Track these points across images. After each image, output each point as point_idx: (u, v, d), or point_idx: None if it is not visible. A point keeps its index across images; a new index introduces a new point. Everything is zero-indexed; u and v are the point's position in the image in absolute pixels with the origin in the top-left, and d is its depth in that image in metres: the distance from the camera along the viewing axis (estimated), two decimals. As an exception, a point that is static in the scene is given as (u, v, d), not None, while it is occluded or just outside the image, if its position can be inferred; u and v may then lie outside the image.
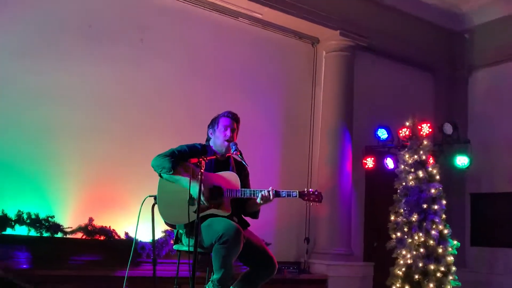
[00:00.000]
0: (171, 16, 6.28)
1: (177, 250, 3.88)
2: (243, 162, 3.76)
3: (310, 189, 3.72)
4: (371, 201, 7.55)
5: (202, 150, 3.78)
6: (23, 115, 5.23)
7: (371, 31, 7.41)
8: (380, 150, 7.28)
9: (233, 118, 3.87)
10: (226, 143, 3.76)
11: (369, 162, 7.29)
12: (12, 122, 5.17)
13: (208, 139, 3.92)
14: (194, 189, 3.46)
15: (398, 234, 5.62)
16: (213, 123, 3.90)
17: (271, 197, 3.61)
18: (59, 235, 5.12)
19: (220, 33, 6.65)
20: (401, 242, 5.59)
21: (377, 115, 7.53)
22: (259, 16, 6.81)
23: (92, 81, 5.67)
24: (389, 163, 7.00)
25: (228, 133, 3.78)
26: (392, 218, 5.74)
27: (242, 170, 3.88)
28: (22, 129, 5.20)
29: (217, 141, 3.81)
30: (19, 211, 4.96)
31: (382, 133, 7.15)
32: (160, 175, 3.64)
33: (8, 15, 5.30)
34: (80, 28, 5.67)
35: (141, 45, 6.02)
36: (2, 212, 4.88)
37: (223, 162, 3.80)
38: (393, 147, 6.95)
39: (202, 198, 3.52)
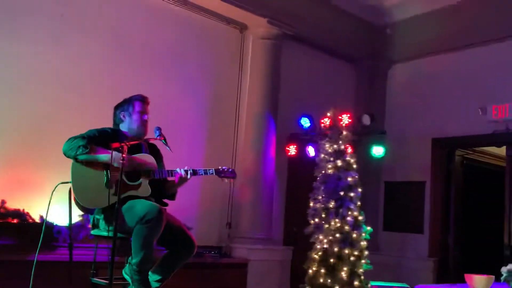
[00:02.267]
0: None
1: (95, 235, 3.82)
2: (167, 147, 3.75)
3: (224, 167, 3.84)
4: (292, 187, 7.73)
5: (112, 134, 3.74)
6: None
7: (299, 21, 7.52)
8: (303, 138, 7.43)
9: (147, 102, 3.91)
10: (142, 127, 3.81)
11: (292, 150, 7.44)
12: None
13: (118, 123, 3.88)
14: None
15: (316, 219, 5.81)
16: (127, 106, 3.86)
17: (188, 175, 3.68)
18: (-32, 217, 4.87)
19: (148, 14, 6.51)
20: (318, 227, 5.78)
21: (302, 104, 7.69)
22: (189, -1, 6.74)
23: (7, 57, 5.38)
24: (311, 151, 7.17)
25: (145, 117, 3.83)
26: (311, 204, 5.92)
27: (155, 152, 3.90)
28: None
29: (133, 125, 3.81)
30: None
31: (305, 122, 7.29)
32: (74, 158, 3.54)
33: None
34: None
35: (64, 20, 5.78)
36: None
37: (135, 146, 3.77)
38: (315, 135, 7.11)
39: (125, 179, 3.51)
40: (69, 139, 3.57)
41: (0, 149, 5.25)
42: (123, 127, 3.86)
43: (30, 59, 5.52)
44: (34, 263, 3.66)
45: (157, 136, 3.76)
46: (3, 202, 5.08)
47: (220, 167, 3.86)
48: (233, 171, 3.89)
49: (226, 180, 3.91)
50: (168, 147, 3.75)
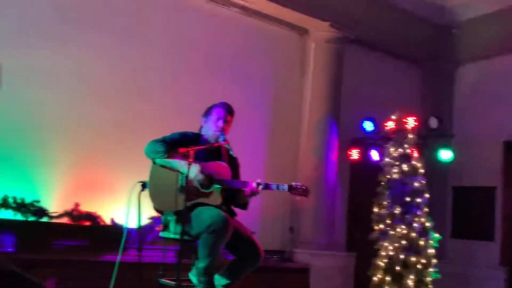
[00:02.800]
0: (160, 3, 6.24)
1: (164, 238, 3.92)
2: (231, 152, 3.79)
3: (297, 184, 3.78)
4: (355, 192, 7.63)
5: (194, 138, 3.79)
6: (7, 99, 5.16)
7: (360, 24, 7.44)
8: (366, 142, 7.32)
9: (228, 110, 3.86)
10: (217, 133, 3.76)
11: (355, 154, 7.35)
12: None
13: (200, 128, 3.93)
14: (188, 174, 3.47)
15: (381, 226, 5.71)
16: (207, 112, 3.90)
17: (260, 189, 3.63)
18: (45, 219, 5.12)
19: (210, 22, 6.63)
20: (383, 233, 5.68)
21: (364, 107, 7.57)
22: (250, 6, 6.79)
23: (80, 67, 5.63)
24: (374, 155, 7.06)
25: (220, 123, 3.78)
26: (376, 210, 5.82)
27: (233, 161, 3.90)
28: (9, 114, 5.15)
29: (209, 131, 3.81)
30: (5, 195, 4.96)
31: (368, 125, 7.19)
32: (153, 161, 3.64)
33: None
34: (66, 15, 5.61)
35: (130, 33, 5.98)
36: (-13, 196, 4.88)
37: (214, 152, 3.80)
38: (379, 139, 7.00)
39: (197, 186, 3.55)
40: (152, 141, 3.64)
41: (74, 155, 5.49)
42: (203, 131, 3.91)
43: (100, 69, 5.75)
44: (117, 264, 3.77)
45: (222, 141, 3.80)
46: (77, 205, 5.32)
47: (293, 184, 3.75)
48: (306, 189, 3.75)
49: (297, 197, 3.82)
50: (232, 152, 3.78)
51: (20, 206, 4.97)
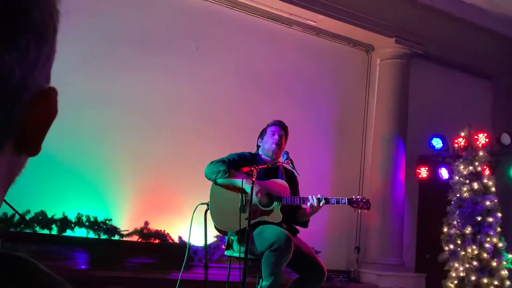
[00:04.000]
0: (226, 25, 6.40)
1: (228, 256, 3.98)
2: (294, 171, 3.82)
3: (358, 196, 3.77)
4: (424, 211, 7.41)
5: (251, 158, 3.86)
6: (82, 120, 5.43)
7: (427, 38, 7.29)
8: (435, 159, 7.14)
9: (280, 126, 3.93)
10: (274, 146, 3.81)
11: (423, 172, 7.17)
12: (73, 128, 5.36)
13: (258, 148, 4.00)
14: (249, 190, 3.53)
15: (451, 246, 5.51)
16: (262, 132, 3.98)
17: (321, 204, 3.65)
18: (116, 237, 5.33)
19: (273, 41, 6.72)
20: (454, 254, 5.48)
21: (432, 124, 7.39)
22: (313, 23, 6.83)
23: (149, 87, 5.84)
24: (444, 173, 6.86)
25: (276, 137, 3.83)
26: (445, 229, 5.63)
27: (291, 178, 3.93)
28: (82, 136, 5.42)
29: (266, 146, 3.87)
30: (78, 213, 5.20)
31: (437, 142, 7.02)
32: (214, 181, 3.73)
33: (70, 23, 5.53)
34: (137, 38, 5.88)
35: (196, 54, 6.16)
36: (63, 215, 5.12)
37: (272, 170, 3.85)
38: (448, 157, 6.81)
39: (257, 203, 3.60)
40: (211, 162, 3.74)
41: (143, 176, 5.70)
42: (260, 151, 3.97)
43: (167, 91, 5.95)
44: (178, 281, 3.88)
45: (285, 160, 3.83)
46: (146, 223, 5.50)
47: (353, 197, 3.77)
48: (367, 202, 3.76)
49: (359, 210, 3.83)
50: (295, 170, 3.81)
51: (93, 224, 5.20)
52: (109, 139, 5.58)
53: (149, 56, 5.90)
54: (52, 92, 0.52)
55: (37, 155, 0.52)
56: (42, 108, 0.51)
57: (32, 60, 0.49)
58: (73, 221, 5.14)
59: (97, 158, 5.46)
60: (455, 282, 5.36)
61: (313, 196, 3.67)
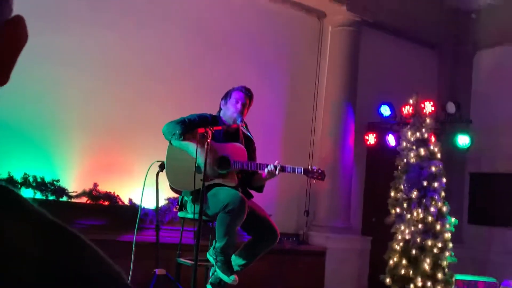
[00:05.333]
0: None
1: (181, 218, 3.97)
2: (248, 133, 3.81)
3: (314, 167, 3.81)
4: (371, 177, 7.62)
5: (212, 120, 3.82)
6: (28, 78, 5.19)
7: (377, 7, 7.36)
8: (383, 126, 7.30)
9: (247, 94, 3.88)
10: (235, 115, 3.79)
11: (371, 138, 7.32)
12: (17, 85, 5.12)
13: (219, 110, 3.96)
14: (201, 157, 3.51)
15: (398, 210, 5.70)
16: (226, 95, 3.92)
17: (277, 172, 3.66)
18: (64, 199, 5.20)
19: (228, 5, 6.61)
20: (400, 217, 5.67)
21: (381, 92, 7.53)
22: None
23: (97, 44, 5.63)
24: (391, 140, 7.04)
25: (239, 106, 3.80)
26: (392, 194, 5.80)
27: (250, 144, 3.93)
28: (27, 93, 5.17)
29: (227, 112, 3.84)
30: (25, 174, 5.02)
31: (385, 110, 7.16)
32: (170, 142, 3.69)
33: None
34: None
35: (146, 9, 5.97)
36: (9, 175, 4.93)
37: (232, 134, 3.84)
38: (396, 124, 6.97)
39: (207, 167, 3.58)
40: (169, 122, 3.68)
41: (91, 136, 5.55)
42: (222, 114, 3.93)
43: (116, 49, 5.76)
44: (134, 244, 3.85)
45: (239, 122, 3.82)
46: (95, 185, 5.38)
47: (309, 167, 3.80)
48: (322, 173, 3.79)
49: (314, 181, 3.86)
50: (249, 133, 3.81)
51: (40, 185, 5.05)
52: (56, 97, 5.37)
53: (98, 12, 5.68)
54: (20, 19, 0.53)
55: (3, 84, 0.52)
56: (12, 34, 0.52)
57: None
58: (19, 181, 4.96)
59: (44, 117, 5.27)
60: (401, 244, 5.56)
61: (270, 164, 3.68)
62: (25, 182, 4.99)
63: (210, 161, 3.58)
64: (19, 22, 0.53)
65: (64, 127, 5.40)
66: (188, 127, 3.65)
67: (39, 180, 5.05)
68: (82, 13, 5.57)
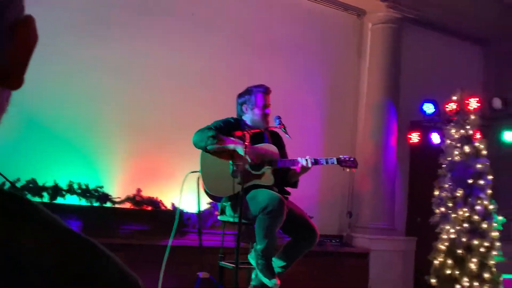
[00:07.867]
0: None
1: (222, 221, 4.00)
2: (287, 135, 3.82)
3: (345, 156, 3.81)
4: (415, 176, 7.46)
5: (235, 123, 3.85)
6: (75, 88, 5.36)
7: (419, 3, 7.20)
8: (426, 124, 7.15)
9: (268, 93, 3.93)
10: (264, 118, 3.86)
11: (414, 137, 7.19)
12: (65, 96, 5.29)
13: (241, 114, 3.97)
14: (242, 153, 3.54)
15: (442, 209, 5.56)
16: (249, 98, 3.92)
17: (309, 165, 3.66)
18: (108, 204, 5.31)
19: (268, 6, 6.60)
20: (445, 217, 5.53)
21: (424, 89, 7.37)
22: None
23: (142, 55, 5.73)
24: (435, 138, 6.88)
25: (267, 111, 3.88)
26: (437, 193, 5.67)
27: (277, 140, 3.96)
28: (73, 103, 5.33)
29: (255, 118, 3.88)
30: (70, 181, 5.15)
31: (428, 108, 7.01)
32: (204, 149, 3.71)
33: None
34: (133, 2, 5.75)
35: (192, 19, 6.04)
36: (54, 182, 5.07)
37: (257, 135, 3.86)
38: (439, 121, 6.81)
39: (248, 167, 3.62)
40: (198, 131, 3.74)
41: (134, 142, 5.65)
42: (246, 118, 3.95)
43: (163, 56, 5.84)
44: (168, 247, 3.91)
45: (277, 124, 3.83)
46: (139, 190, 5.47)
47: (341, 156, 3.82)
48: (354, 160, 3.84)
49: (347, 169, 3.86)
50: (288, 135, 3.81)
51: (85, 192, 5.17)
52: (99, 105, 5.49)
53: (144, 21, 5.78)
54: (31, 19, 0.51)
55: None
56: (23, 36, 0.50)
57: None
58: (64, 188, 5.10)
59: (88, 126, 5.40)
60: (446, 244, 5.43)
61: (302, 158, 3.69)
62: (70, 189, 5.12)
63: (256, 161, 3.63)
64: (31, 22, 0.51)
65: (107, 134, 5.51)
66: (217, 133, 3.69)
67: (83, 187, 5.17)
68: (127, 23, 5.68)
